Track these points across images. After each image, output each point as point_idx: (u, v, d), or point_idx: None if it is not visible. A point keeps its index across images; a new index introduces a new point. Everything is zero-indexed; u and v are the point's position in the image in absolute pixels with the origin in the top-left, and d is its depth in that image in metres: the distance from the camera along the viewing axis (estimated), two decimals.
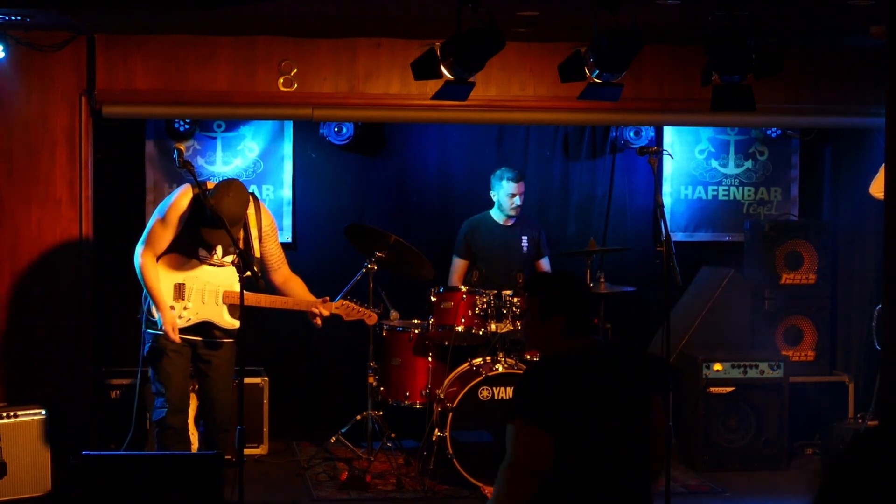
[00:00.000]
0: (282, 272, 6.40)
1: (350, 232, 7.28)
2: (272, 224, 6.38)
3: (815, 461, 7.59)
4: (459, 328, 7.03)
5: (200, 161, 7.95)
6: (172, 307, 6.09)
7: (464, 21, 5.71)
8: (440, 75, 6.07)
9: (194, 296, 6.15)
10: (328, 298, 6.44)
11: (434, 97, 6.40)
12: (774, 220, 8.32)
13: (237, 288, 5.77)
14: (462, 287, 7.22)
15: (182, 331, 6.11)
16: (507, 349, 7.13)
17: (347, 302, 6.51)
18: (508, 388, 6.82)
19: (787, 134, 8.48)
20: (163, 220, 6.11)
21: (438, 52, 6.00)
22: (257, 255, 6.25)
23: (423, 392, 7.22)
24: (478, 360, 7.07)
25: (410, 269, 7.26)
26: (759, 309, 8.02)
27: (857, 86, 7.60)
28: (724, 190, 8.54)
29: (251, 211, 6.25)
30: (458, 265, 7.82)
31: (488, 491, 6.59)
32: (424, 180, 8.38)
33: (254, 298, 6.10)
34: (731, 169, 8.52)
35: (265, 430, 7.64)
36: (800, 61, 7.46)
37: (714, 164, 8.51)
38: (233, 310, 6.18)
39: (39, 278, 7.03)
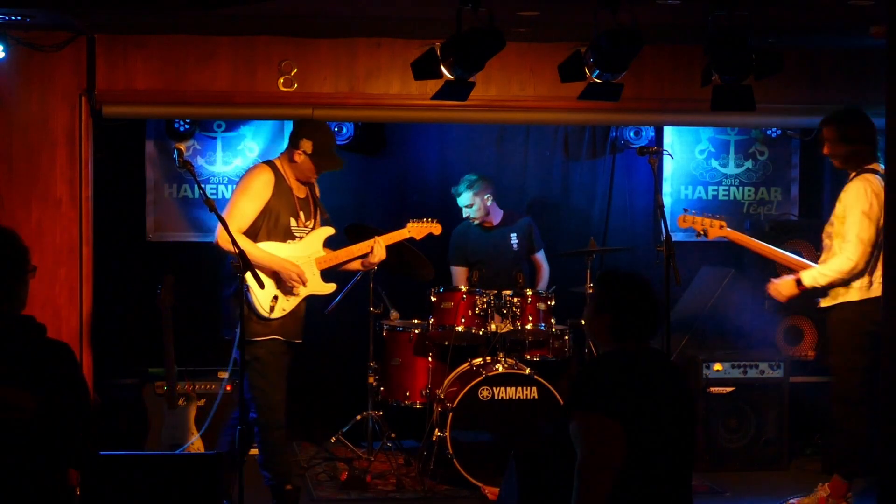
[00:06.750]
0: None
1: (350, 232, 7.27)
2: None
3: (815, 461, 7.58)
4: (459, 328, 7.03)
5: (200, 161, 7.96)
6: (276, 297, 6.05)
7: (464, 21, 5.71)
8: (440, 75, 6.07)
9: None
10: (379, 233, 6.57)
11: (434, 97, 6.40)
12: (774, 220, 8.32)
13: (322, 252, 6.10)
14: (462, 287, 7.22)
15: (281, 333, 6.12)
16: (507, 349, 7.13)
17: (414, 222, 6.71)
18: (509, 388, 6.82)
19: (787, 134, 8.48)
20: (246, 192, 6.08)
21: (438, 52, 6.00)
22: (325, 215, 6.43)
23: (423, 392, 7.22)
24: (478, 360, 7.07)
25: (410, 269, 7.26)
26: (759, 309, 8.01)
27: (857, 86, 7.59)
28: (724, 190, 8.53)
29: None
30: (459, 273, 7.82)
31: (488, 491, 6.59)
32: (424, 180, 8.38)
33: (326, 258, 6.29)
34: (732, 169, 8.52)
35: None
36: (800, 61, 7.46)
37: (714, 164, 8.51)
38: (325, 274, 6.26)
39: (39, 278, 7.00)
